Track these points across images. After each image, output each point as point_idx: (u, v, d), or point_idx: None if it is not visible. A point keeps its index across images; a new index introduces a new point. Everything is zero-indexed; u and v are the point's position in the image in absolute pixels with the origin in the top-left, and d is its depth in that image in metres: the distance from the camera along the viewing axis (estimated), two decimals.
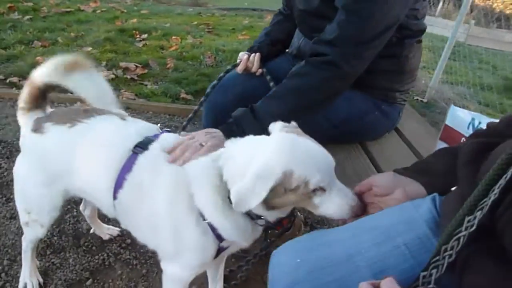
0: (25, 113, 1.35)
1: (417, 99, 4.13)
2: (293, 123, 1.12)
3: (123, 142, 1.22)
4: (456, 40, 4.10)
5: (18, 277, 1.67)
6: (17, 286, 1.65)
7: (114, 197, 1.22)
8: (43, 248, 1.86)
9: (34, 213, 1.43)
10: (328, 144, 1.62)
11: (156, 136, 1.25)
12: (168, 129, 1.36)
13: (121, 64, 3.97)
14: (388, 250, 0.82)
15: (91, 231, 1.95)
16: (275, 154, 0.97)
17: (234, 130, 1.35)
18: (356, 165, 1.47)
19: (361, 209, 1.02)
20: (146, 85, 3.72)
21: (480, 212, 0.63)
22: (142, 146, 1.21)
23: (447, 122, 1.32)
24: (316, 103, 1.45)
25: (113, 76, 3.76)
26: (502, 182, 0.61)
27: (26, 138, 1.35)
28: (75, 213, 2.06)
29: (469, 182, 0.68)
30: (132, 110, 3.19)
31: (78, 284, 1.72)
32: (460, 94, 4.19)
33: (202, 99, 1.88)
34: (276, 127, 1.11)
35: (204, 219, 1.11)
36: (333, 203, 1.00)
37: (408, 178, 0.99)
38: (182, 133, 1.54)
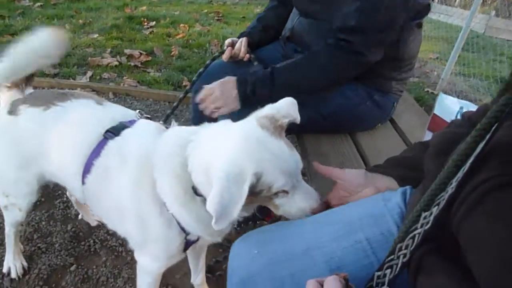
0: (5, 92, 1.33)
1: (428, 90, 4.00)
2: (271, 116, 0.98)
3: (95, 126, 1.18)
4: (474, 31, 3.94)
5: (3, 261, 1.67)
6: (1, 269, 1.66)
7: (83, 182, 1.18)
8: (30, 233, 1.86)
9: (12, 197, 1.42)
10: (315, 134, 1.58)
11: (131, 122, 1.21)
12: (148, 116, 1.32)
13: (126, 51, 3.96)
14: (348, 245, 0.76)
15: (79, 217, 1.94)
16: (244, 151, 0.88)
17: (247, 89, 1.42)
18: (342, 156, 1.40)
19: (323, 208, 0.94)
20: (149, 72, 3.69)
21: (436, 207, 0.57)
22: (114, 131, 1.16)
23: (435, 111, 1.24)
24: (330, 85, 1.47)
25: (116, 63, 3.75)
26: (459, 175, 0.54)
27: (2, 119, 1.33)
28: (65, 199, 2.05)
29: (433, 175, 0.61)
30: (132, 97, 3.17)
31: (62, 269, 1.71)
32: (473, 87, 4.04)
33: (187, 87, 1.84)
34: (256, 114, 1.00)
35: (168, 210, 1.05)
36: (295, 205, 0.93)
37: (379, 175, 0.92)
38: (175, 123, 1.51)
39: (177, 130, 1.11)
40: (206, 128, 1.03)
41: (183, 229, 1.07)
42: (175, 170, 1.00)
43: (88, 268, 1.72)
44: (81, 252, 1.79)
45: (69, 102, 1.26)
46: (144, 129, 1.19)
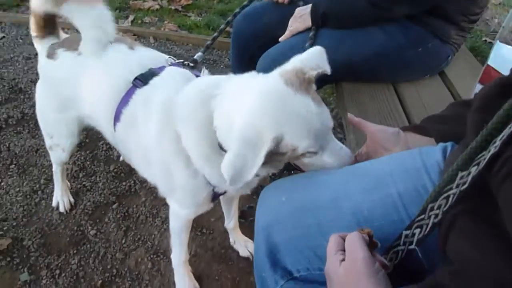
0: (40, 40, 1.36)
1: (486, 40, 3.66)
2: (296, 69, 0.92)
3: (125, 73, 1.17)
4: None
5: (52, 196, 1.80)
6: (51, 203, 1.79)
7: (114, 130, 1.21)
8: (76, 171, 1.97)
9: (56, 138, 1.49)
10: (354, 81, 1.49)
11: (161, 69, 1.19)
12: (181, 61, 1.30)
13: None
14: (378, 198, 0.73)
15: (121, 158, 2.03)
16: (264, 113, 0.84)
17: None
18: (382, 108, 1.33)
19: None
20: (189, 16, 3.63)
21: (476, 167, 0.52)
22: (143, 79, 1.15)
23: (489, 62, 1.12)
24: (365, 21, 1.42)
25: (158, 6, 3.70)
26: (506, 132, 0.49)
27: (42, 64, 1.36)
28: (107, 141, 2.14)
29: (476, 131, 0.56)
30: (172, 41, 3.15)
31: (105, 206, 1.82)
32: None
33: (229, 18, 1.77)
34: (282, 67, 0.94)
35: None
36: (324, 164, 0.89)
37: (415, 134, 0.87)
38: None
39: (201, 83, 1.07)
40: (230, 81, 0.99)
41: (209, 182, 1.07)
42: (201, 125, 0.97)
43: (129, 206, 1.81)
44: (122, 192, 1.88)
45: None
46: (171, 77, 1.15)
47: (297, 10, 1.55)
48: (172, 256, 1.46)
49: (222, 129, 0.92)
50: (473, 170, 0.52)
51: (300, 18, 1.51)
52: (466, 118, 0.72)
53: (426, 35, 1.43)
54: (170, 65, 1.22)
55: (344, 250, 0.60)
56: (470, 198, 0.54)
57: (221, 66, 2.93)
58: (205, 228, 1.74)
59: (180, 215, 1.27)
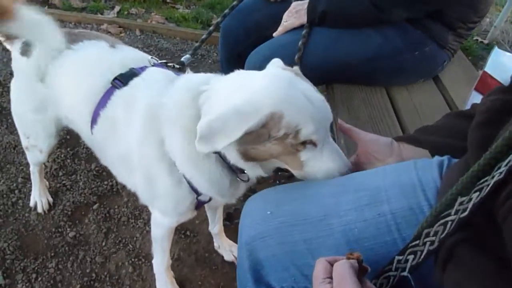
0: (9, 42, 1.27)
1: (477, 39, 3.65)
2: (296, 68, 0.93)
3: (104, 73, 1.10)
4: None
5: (30, 195, 1.72)
6: (29, 203, 1.71)
7: (91, 132, 1.14)
8: (55, 170, 1.89)
9: (32, 139, 1.42)
10: (346, 83, 1.44)
11: (142, 69, 1.12)
12: (164, 61, 1.24)
13: None
14: (370, 217, 0.69)
15: None
16: (266, 89, 0.81)
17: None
18: (374, 111, 1.28)
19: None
20: (178, 8, 3.54)
21: (477, 193, 0.47)
22: (123, 79, 1.08)
23: (486, 69, 1.08)
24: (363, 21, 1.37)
25: None
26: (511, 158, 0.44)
27: (16, 61, 1.28)
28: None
29: (478, 149, 0.51)
30: (159, 34, 3.06)
31: (85, 207, 1.75)
32: None
33: (218, 19, 1.71)
34: (273, 63, 0.94)
35: (178, 170, 0.98)
36: (323, 164, 0.84)
37: (408, 145, 0.82)
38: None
39: (186, 80, 1.01)
40: (220, 78, 0.94)
41: (194, 189, 1.01)
42: (187, 125, 0.91)
43: (110, 207, 1.75)
44: (104, 192, 1.82)
45: (80, 44, 1.18)
46: (153, 78, 1.08)
47: (293, 4, 1.49)
48: (154, 262, 1.41)
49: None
50: (475, 196, 0.47)
51: (296, 14, 1.45)
52: (462, 131, 0.68)
53: (425, 39, 1.38)
54: (152, 65, 1.16)
55: (331, 278, 0.55)
56: (470, 226, 0.49)
57: (209, 61, 2.86)
58: (189, 230, 1.68)
59: (162, 224, 1.21)
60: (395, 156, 0.83)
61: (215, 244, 1.60)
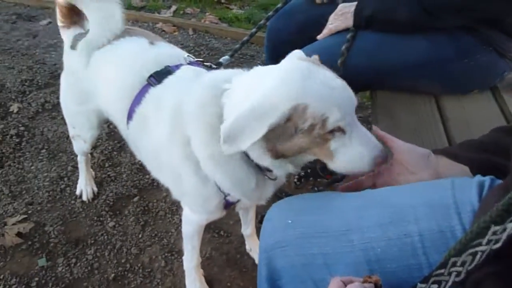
0: (65, 30, 1.35)
1: None
2: (315, 56, 0.90)
3: (141, 70, 1.13)
4: None
5: (77, 184, 1.82)
6: (75, 191, 1.80)
7: (127, 128, 1.17)
8: (102, 161, 1.98)
9: (78, 129, 1.49)
10: (392, 91, 1.36)
11: (177, 67, 1.13)
12: (200, 60, 1.24)
13: None
14: (395, 236, 0.63)
15: None
16: (283, 83, 0.80)
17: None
18: (419, 121, 1.19)
19: (386, 161, 0.81)
20: (231, 9, 3.59)
21: None
22: (157, 77, 1.10)
23: None
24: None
25: None
26: None
27: (66, 54, 1.35)
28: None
29: None
30: (211, 34, 3.12)
31: (126, 198, 1.81)
32: None
33: (261, 21, 1.70)
34: (292, 55, 0.91)
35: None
36: (353, 149, 0.80)
37: (447, 159, 0.75)
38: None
39: (210, 78, 1.00)
40: (242, 75, 0.93)
41: (221, 189, 1.00)
42: (209, 123, 0.91)
43: (149, 201, 1.80)
44: (145, 185, 1.87)
45: (122, 39, 1.22)
46: (185, 77, 1.09)
47: (340, 6, 1.44)
48: (184, 259, 1.43)
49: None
50: (510, 227, 0.41)
51: (342, 16, 1.40)
52: (509, 149, 0.60)
53: (476, 46, 1.27)
54: (188, 63, 1.17)
55: None
56: (502, 259, 0.43)
57: (258, 62, 2.85)
58: (223, 230, 1.68)
59: (191, 220, 1.22)
60: (430, 171, 0.76)
61: (247, 247, 1.59)
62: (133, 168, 1.95)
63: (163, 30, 3.10)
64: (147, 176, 1.91)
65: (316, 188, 1.79)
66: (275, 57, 1.86)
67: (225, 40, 3.07)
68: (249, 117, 0.77)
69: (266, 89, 0.80)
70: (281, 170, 0.90)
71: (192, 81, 1.04)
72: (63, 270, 1.52)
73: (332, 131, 0.78)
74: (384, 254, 0.62)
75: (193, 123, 0.95)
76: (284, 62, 0.89)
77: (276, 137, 0.80)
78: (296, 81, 0.79)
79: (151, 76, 1.10)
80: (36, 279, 1.49)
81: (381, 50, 1.28)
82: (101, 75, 1.22)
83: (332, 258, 0.67)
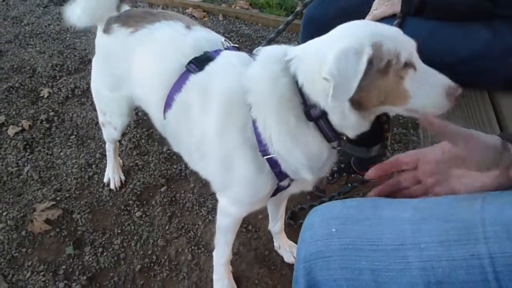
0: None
1: None
2: None
3: (178, 56, 1.09)
4: None
5: (105, 171, 1.80)
6: (103, 179, 1.79)
7: (164, 117, 1.12)
8: (130, 149, 1.96)
9: (108, 115, 1.45)
10: None
11: (216, 52, 1.08)
12: (236, 45, 1.18)
13: None
14: (459, 256, 0.55)
15: None
16: (357, 29, 0.88)
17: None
18: (469, 117, 1.08)
19: (458, 89, 0.85)
20: None
21: None
22: (197, 63, 1.06)
23: None
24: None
25: None
26: None
27: (98, 37, 1.31)
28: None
29: None
30: (241, 20, 3.03)
31: (153, 188, 1.78)
32: None
33: (298, 8, 1.61)
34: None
35: (263, 155, 0.95)
36: (427, 84, 0.85)
37: None
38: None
39: (266, 56, 0.97)
40: (299, 46, 0.96)
41: (276, 175, 0.99)
42: (283, 94, 0.90)
43: (177, 192, 1.76)
44: (172, 175, 1.83)
45: (157, 24, 1.17)
46: (229, 63, 1.05)
47: None
48: (215, 254, 1.38)
49: (311, 77, 0.87)
50: None
51: (389, 1, 1.29)
52: None
53: None
54: (226, 48, 1.12)
55: None
56: None
57: None
58: (251, 225, 1.63)
59: (230, 213, 1.18)
60: (501, 170, 0.63)
61: (275, 244, 1.53)
62: (161, 157, 1.92)
63: (193, 16, 3.04)
64: (175, 166, 1.87)
65: (350, 184, 1.71)
66: None
67: (256, 27, 2.98)
68: (347, 55, 0.80)
69: (345, 36, 0.85)
70: (355, 129, 0.91)
71: (240, 68, 1.00)
72: (90, 259, 1.51)
73: (405, 67, 0.83)
74: (446, 276, 0.54)
75: (264, 101, 0.92)
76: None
77: (360, 83, 0.81)
78: (365, 26, 0.88)
79: (190, 62, 1.06)
80: (64, 267, 1.48)
81: (432, 39, 1.16)
82: (136, 60, 1.18)
83: (382, 276, 0.60)
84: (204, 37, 1.15)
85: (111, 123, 1.48)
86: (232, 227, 1.26)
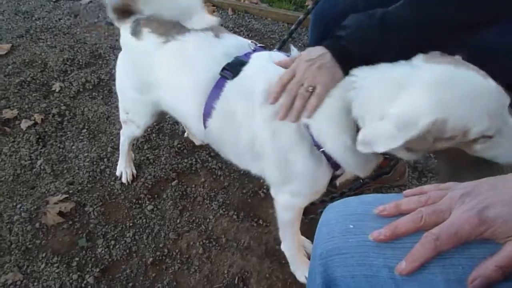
0: (120, 20, 1.30)
1: None
2: (457, 57, 0.85)
3: (211, 65, 1.12)
4: None
5: (117, 165, 1.81)
6: (115, 172, 1.80)
7: (204, 126, 1.15)
8: (141, 143, 1.97)
9: (131, 114, 1.47)
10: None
11: (246, 55, 1.11)
12: (261, 45, 1.20)
13: None
14: (480, 255, 0.55)
15: (185, 134, 1.98)
16: (425, 95, 0.78)
17: (347, 49, 1.00)
18: None
19: None
20: None
21: None
22: (231, 69, 1.08)
23: None
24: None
25: None
26: None
27: (126, 39, 1.30)
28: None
29: None
30: (250, 14, 3.02)
31: (164, 182, 1.79)
32: None
33: (309, 6, 1.60)
34: (431, 55, 0.87)
35: (318, 148, 1.00)
36: (502, 148, 0.80)
37: None
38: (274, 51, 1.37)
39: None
40: (364, 69, 0.93)
41: (332, 166, 1.04)
42: (334, 115, 0.95)
43: (188, 185, 1.77)
44: (183, 169, 1.84)
45: (187, 35, 1.19)
46: (263, 64, 1.09)
47: None
48: (284, 248, 1.44)
49: (370, 117, 0.87)
50: None
51: None
52: None
53: None
54: (253, 50, 1.15)
55: None
56: None
57: (299, 44, 2.74)
58: (262, 219, 1.64)
59: (293, 205, 1.23)
60: None
61: None
62: (172, 151, 1.93)
63: None
64: (186, 160, 1.88)
65: (361, 180, 1.70)
66: (320, 40, 1.75)
67: (266, 21, 2.97)
68: (387, 131, 0.79)
69: (406, 101, 0.80)
70: (403, 156, 0.91)
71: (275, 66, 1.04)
72: (103, 251, 1.53)
73: (475, 139, 0.79)
74: (467, 274, 0.54)
75: (319, 116, 0.97)
76: (422, 64, 0.85)
77: (412, 144, 0.81)
78: (437, 92, 0.77)
79: (224, 69, 1.09)
80: (77, 259, 1.50)
81: None
82: (168, 72, 1.20)
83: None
84: (232, 44, 1.18)
85: (134, 122, 1.49)
86: (297, 218, 1.31)
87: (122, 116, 1.54)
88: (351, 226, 0.68)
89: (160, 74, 1.22)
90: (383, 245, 0.63)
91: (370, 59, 0.95)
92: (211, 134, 1.18)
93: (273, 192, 1.24)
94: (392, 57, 0.93)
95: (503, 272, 0.52)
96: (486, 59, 1.09)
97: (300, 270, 1.42)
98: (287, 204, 1.22)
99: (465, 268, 0.55)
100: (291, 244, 1.39)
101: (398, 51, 0.94)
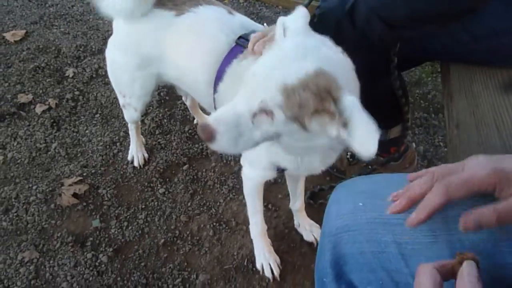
0: None
1: None
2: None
3: (228, 33, 1.14)
4: None
5: (129, 149, 1.84)
6: (127, 156, 1.83)
7: (214, 90, 1.17)
8: (153, 128, 1.99)
9: (128, 97, 1.49)
10: (465, 63, 1.21)
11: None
12: None
13: None
14: (485, 235, 0.56)
15: (195, 121, 2.00)
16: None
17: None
18: (498, 99, 1.07)
19: None
20: None
21: None
22: (248, 38, 1.09)
23: None
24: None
25: None
26: None
27: (119, 22, 1.34)
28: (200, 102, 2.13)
29: None
30: (262, 2, 3.01)
31: (176, 166, 1.82)
32: None
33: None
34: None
35: None
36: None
37: None
38: None
39: None
40: None
41: None
42: None
43: (198, 170, 1.80)
44: (194, 154, 1.87)
45: (200, 7, 1.22)
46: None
47: None
48: (250, 227, 1.46)
49: None
50: None
51: None
52: None
53: None
54: None
55: None
56: None
57: None
58: (271, 204, 1.66)
59: (249, 177, 1.31)
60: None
61: (295, 222, 1.56)
62: (183, 136, 1.95)
63: None
64: (196, 145, 1.91)
65: (370, 167, 1.72)
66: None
67: (277, 9, 2.96)
68: None
69: None
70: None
71: None
72: (116, 232, 1.57)
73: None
74: (474, 247, 0.56)
75: None
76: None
77: None
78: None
79: (240, 37, 1.11)
80: (91, 239, 1.55)
81: None
82: (178, 40, 1.22)
83: (408, 249, 0.61)
84: (248, 21, 1.22)
85: (131, 105, 1.51)
86: (256, 191, 1.36)
87: (121, 101, 1.56)
88: (360, 204, 0.70)
89: (170, 45, 1.24)
90: (393, 222, 0.65)
91: None
92: (220, 97, 1.19)
93: (241, 160, 1.32)
94: None
95: (498, 218, 0.52)
96: (492, 40, 1.12)
97: (260, 256, 1.43)
98: (245, 175, 1.31)
99: (473, 243, 0.56)
100: (254, 223, 1.43)
101: None
